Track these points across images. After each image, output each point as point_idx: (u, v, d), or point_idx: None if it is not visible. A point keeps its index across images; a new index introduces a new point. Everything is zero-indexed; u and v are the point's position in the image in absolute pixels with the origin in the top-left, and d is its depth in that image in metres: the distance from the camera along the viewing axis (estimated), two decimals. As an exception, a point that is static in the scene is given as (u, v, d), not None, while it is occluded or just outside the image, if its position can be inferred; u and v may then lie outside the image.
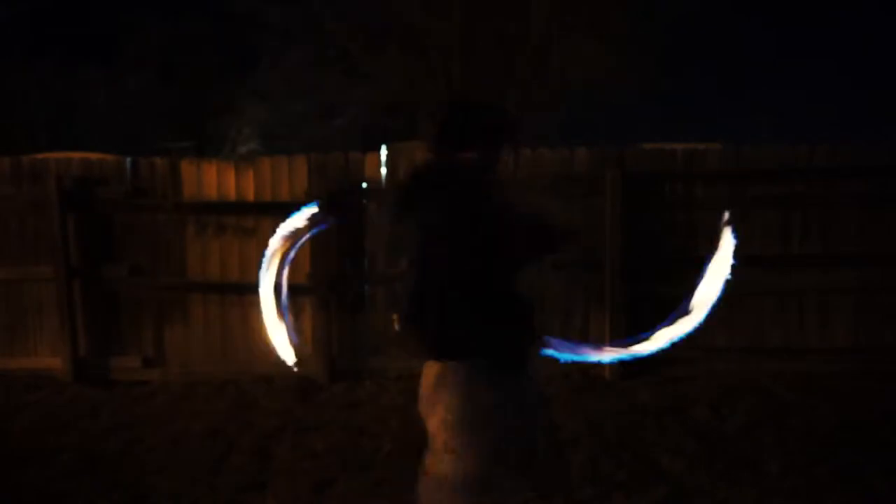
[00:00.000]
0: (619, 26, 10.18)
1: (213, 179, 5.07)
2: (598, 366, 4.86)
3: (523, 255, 2.02)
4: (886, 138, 5.32)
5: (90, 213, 5.04)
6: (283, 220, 2.54)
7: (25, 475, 3.52)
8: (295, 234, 2.58)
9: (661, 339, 2.17)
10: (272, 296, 2.56)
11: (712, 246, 2.25)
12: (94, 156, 5.28)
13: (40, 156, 5.24)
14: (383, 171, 5.02)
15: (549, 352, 2.20)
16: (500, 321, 1.99)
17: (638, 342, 2.20)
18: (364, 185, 4.97)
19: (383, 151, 5.04)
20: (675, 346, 2.17)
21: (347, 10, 10.89)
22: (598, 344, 3.48)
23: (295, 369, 2.69)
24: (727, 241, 2.25)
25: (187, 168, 5.09)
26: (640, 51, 9.78)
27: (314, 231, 2.61)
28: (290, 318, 2.54)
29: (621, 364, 4.79)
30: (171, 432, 4.08)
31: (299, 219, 2.57)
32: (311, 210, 2.57)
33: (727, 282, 2.20)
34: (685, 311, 2.19)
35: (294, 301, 4.91)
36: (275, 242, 2.58)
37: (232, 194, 5.07)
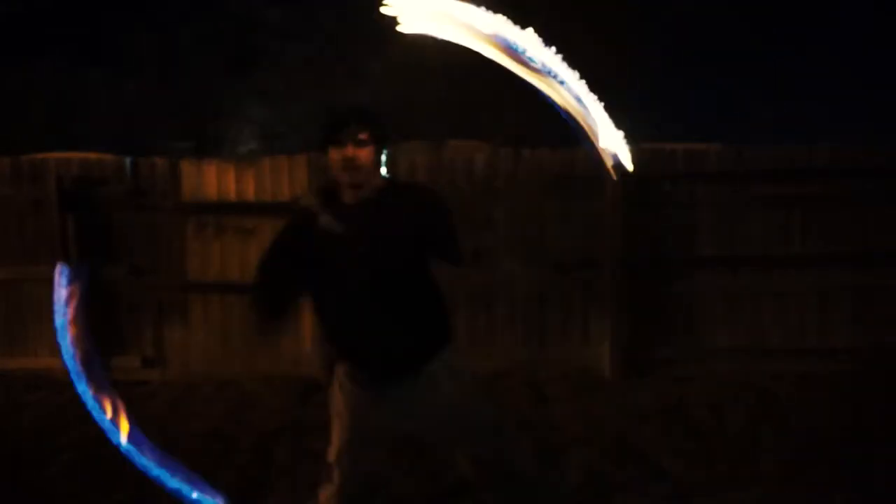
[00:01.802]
0: (620, 26, 10.18)
1: (213, 179, 5.07)
2: (598, 366, 4.87)
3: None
4: (886, 138, 5.31)
5: (90, 213, 5.03)
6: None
7: (25, 475, 3.52)
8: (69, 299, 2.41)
9: None
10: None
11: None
12: (93, 156, 5.26)
13: (40, 156, 5.22)
14: (383, 170, 5.00)
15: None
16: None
17: None
18: None
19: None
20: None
21: (347, 9, 10.88)
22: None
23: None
24: None
25: (187, 168, 5.09)
26: (640, 51, 9.77)
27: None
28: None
29: (621, 364, 4.81)
30: (171, 432, 4.07)
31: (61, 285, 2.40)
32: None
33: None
34: None
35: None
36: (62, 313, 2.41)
37: (232, 194, 5.06)
